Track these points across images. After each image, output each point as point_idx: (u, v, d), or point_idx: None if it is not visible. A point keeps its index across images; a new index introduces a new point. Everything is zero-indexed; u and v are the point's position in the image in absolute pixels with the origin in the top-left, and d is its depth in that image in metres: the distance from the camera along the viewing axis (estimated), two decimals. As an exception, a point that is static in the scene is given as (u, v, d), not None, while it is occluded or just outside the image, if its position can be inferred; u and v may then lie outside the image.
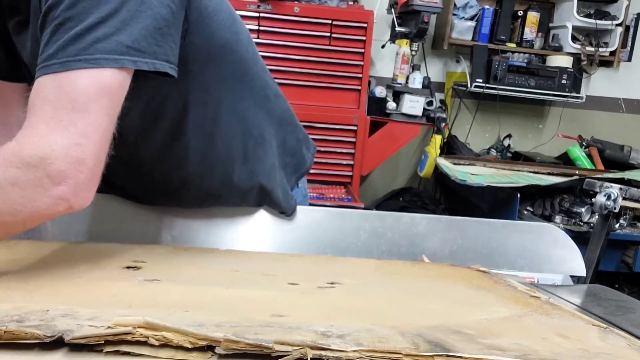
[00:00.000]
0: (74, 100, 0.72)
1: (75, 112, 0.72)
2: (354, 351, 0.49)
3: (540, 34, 3.59)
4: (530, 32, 3.53)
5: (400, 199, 3.44)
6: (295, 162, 1.12)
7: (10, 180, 0.69)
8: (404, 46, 3.16)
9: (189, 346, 0.48)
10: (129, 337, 0.48)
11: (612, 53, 3.55)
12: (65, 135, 0.71)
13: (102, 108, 0.74)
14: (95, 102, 0.73)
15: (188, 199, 1.05)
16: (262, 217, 1.07)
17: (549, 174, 2.97)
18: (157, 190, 1.04)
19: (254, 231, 1.07)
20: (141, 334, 0.48)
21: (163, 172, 1.00)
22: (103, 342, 0.48)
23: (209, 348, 0.49)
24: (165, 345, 0.49)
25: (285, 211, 1.08)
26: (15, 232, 0.74)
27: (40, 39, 0.77)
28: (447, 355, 0.51)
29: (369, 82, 3.15)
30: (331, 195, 2.90)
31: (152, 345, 0.48)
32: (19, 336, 0.48)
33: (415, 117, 3.16)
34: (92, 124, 0.73)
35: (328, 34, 2.94)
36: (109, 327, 0.49)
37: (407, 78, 3.19)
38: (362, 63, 2.99)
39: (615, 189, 2.19)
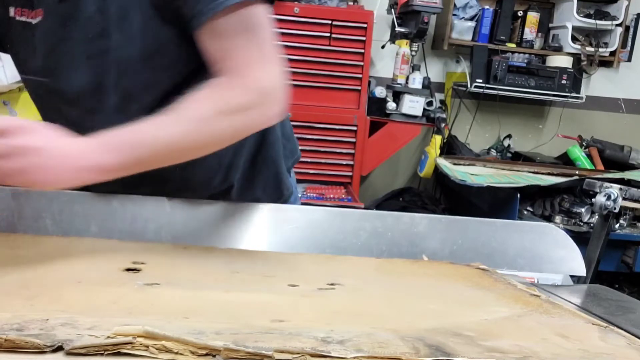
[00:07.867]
0: (267, 33, 0.87)
1: (273, 45, 0.87)
2: (354, 357, 0.49)
3: (540, 34, 3.59)
4: (530, 32, 3.53)
5: (400, 199, 3.44)
6: (291, 147, 1.16)
7: (243, 106, 0.83)
8: (404, 46, 3.17)
9: (189, 355, 0.48)
10: (128, 347, 0.48)
11: (612, 53, 3.55)
12: (277, 65, 0.87)
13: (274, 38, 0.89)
14: (272, 34, 0.88)
15: (200, 173, 1.05)
16: (263, 216, 1.07)
17: (549, 174, 2.97)
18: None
19: (254, 230, 1.07)
20: (141, 344, 0.48)
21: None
22: (102, 352, 0.48)
23: (209, 355, 0.49)
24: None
25: (284, 194, 1.13)
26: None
27: None
28: (447, 360, 0.51)
29: (369, 83, 3.15)
30: (331, 196, 2.90)
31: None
32: (19, 345, 0.48)
33: (415, 117, 3.16)
34: (279, 53, 0.88)
35: (328, 34, 2.94)
36: (108, 337, 0.49)
37: (407, 78, 3.19)
38: (362, 63, 2.99)
39: (615, 189, 2.19)
